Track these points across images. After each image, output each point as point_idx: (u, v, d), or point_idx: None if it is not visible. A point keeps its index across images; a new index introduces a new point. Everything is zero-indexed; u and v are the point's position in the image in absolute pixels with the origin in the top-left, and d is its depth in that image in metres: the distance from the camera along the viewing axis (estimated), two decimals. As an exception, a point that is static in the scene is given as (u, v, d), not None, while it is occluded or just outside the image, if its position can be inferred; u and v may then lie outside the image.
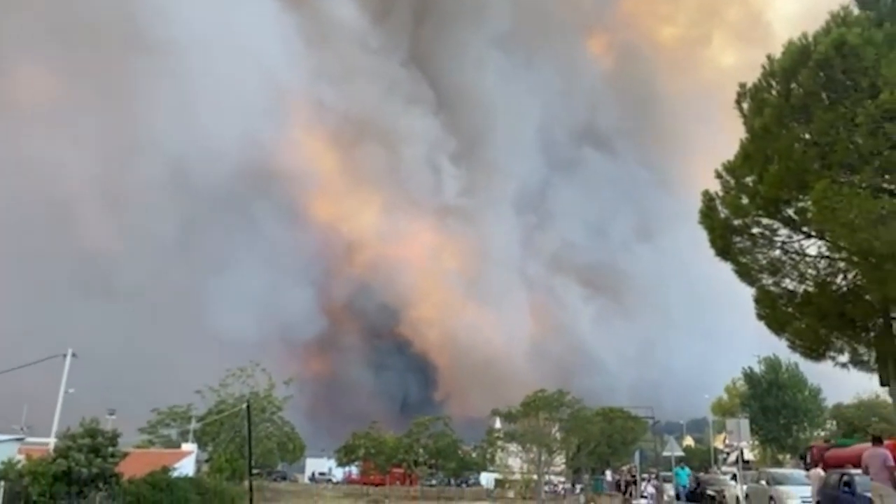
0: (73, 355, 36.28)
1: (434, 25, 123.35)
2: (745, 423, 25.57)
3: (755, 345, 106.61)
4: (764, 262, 11.24)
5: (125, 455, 25.99)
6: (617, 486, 42.02)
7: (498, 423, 63.06)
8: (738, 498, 28.34)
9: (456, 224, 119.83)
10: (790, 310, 11.54)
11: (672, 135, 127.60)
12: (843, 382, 60.70)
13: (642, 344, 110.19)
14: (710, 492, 31.55)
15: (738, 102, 11.00)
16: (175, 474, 30.81)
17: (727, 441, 71.17)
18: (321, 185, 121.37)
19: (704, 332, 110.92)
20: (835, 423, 47.09)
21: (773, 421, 53.05)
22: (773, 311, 11.79)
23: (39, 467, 22.70)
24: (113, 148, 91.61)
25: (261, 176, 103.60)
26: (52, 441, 32.81)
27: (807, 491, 23.02)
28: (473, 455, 61.21)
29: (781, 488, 23.70)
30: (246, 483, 39.27)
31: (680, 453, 37.23)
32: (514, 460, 52.90)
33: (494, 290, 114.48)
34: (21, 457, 24.64)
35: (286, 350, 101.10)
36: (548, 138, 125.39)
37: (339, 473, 79.86)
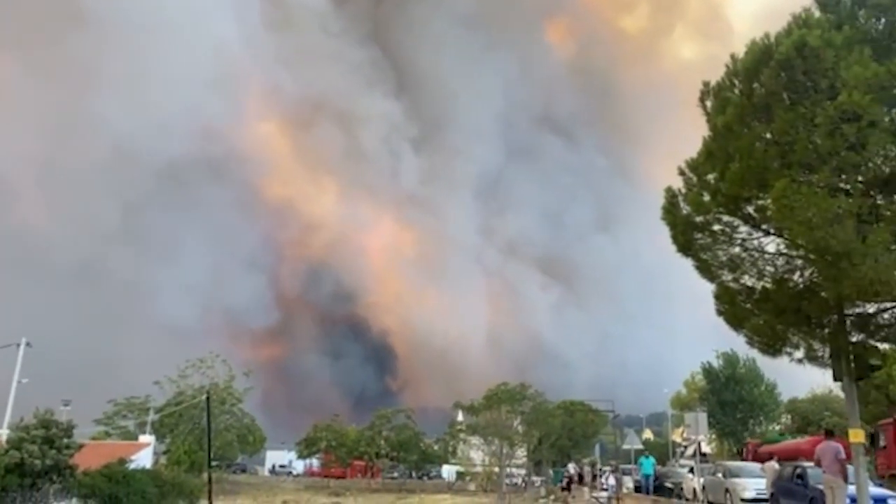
0: (28, 345, 35.56)
1: (395, 5, 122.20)
2: (703, 417, 26.05)
3: (711, 339, 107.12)
4: (724, 258, 11.42)
5: (80, 447, 25.56)
6: (579, 478, 42.56)
7: (460, 416, 63.34)
8: (695, 490, 28.84)
9: (414, 210, 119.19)
10: (748, 306, 11.74)
11: (631, 125, 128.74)
12: (798, 378, 61.93)
13: (598, 335, 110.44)
14: (668, 484, 32.11)
15: (702, 100, 11.14)
16: (132, 466, 30.35)
17: (685, 434, 72.59)
18: (276, 168, 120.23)
19: (660, 325, 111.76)
20: (790, 417, 48.20)
21: (730, 415, 54.05)
22: (731, 307, 11.99)
23: (-10, 459, 22.18)
24: (54, 125, 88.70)
25: (212, 158, 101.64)
26: (3, 433, 32.12)
27: (761, 483, 23.55)
28: (435, 447, 61.35)
29: (736, 480, 24.19)
30: (205, 475, 38.91)
31: (639, 446, 37.87)
32: (476, 453, 53.19)
33: (452, 277, 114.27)
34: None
35: (237, 337, 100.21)
36: (508, 124, 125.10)
37: (299, 466, 79.41)
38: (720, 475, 25.68)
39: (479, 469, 53.79)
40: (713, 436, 56.86)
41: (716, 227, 11.21)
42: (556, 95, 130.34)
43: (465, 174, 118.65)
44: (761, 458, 28.96)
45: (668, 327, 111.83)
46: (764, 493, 22.76)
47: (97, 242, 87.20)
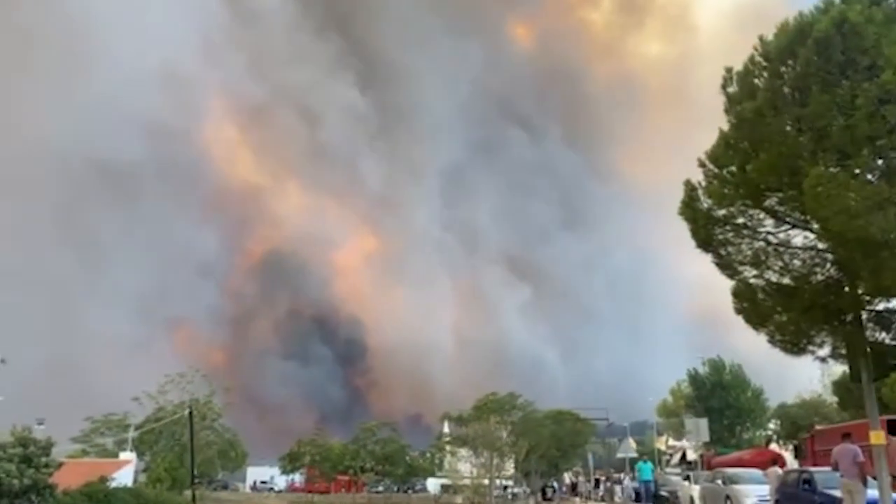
0: (2, 361, 34.33)
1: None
2: (703, 423, 25.69)
3: (682, 342, 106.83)
4: (749, 252, 10.97)
5: (60, 465, 24.48)
6: (573, 488, 41.99)
7: (446, 427, 62.50)
8: (692, 498, 28.39)
9: (377, 207, 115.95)
10: (770, 303, 11.29)
11: (598, 121, 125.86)
12: (784, 383, 62.28)
13: (566, 339, 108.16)
14: (663, 492, 31.65)
15: (724, 88, 10.71)
16: (113, 485, 29.25)
17: (669, 443, 72.39)
18: (233, 167, 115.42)
19: (630, 329, 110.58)
20: (779, 422, 48.11)
21: (717, 422, 53.78)
22: (753, 305, 11.53)
23: (-35, 479, 21.09)
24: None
25: (162, 157, 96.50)
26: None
27: (763, 490, 23.12)
28: (421, 461, 60.47)
29: (738, 487, 23.74)
30: (187, 493, 37.81)
31: (633, 454, 37.41)
32: (464, 465, 52.40)
33: (417, 276, 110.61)
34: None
35: (190, 345, 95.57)
36: (472, 117, 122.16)
37: (280, 482, 77.99)
38: (719, 482, 25.24)
39: (467, 481, 52.97)
40: (700, 442, 56.67)
41: (739, 221, 10.77)
42: (520, 88, 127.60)
43: (430, 170, 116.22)
44: (712, 468, 29.98)
45: (638, 331, 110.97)
46: (767, 500, 22.34)
47: (31, 245, 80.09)
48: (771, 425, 53.21)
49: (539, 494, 35.59)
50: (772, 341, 11.72)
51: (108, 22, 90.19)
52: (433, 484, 67.92)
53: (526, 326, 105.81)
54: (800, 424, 42.33)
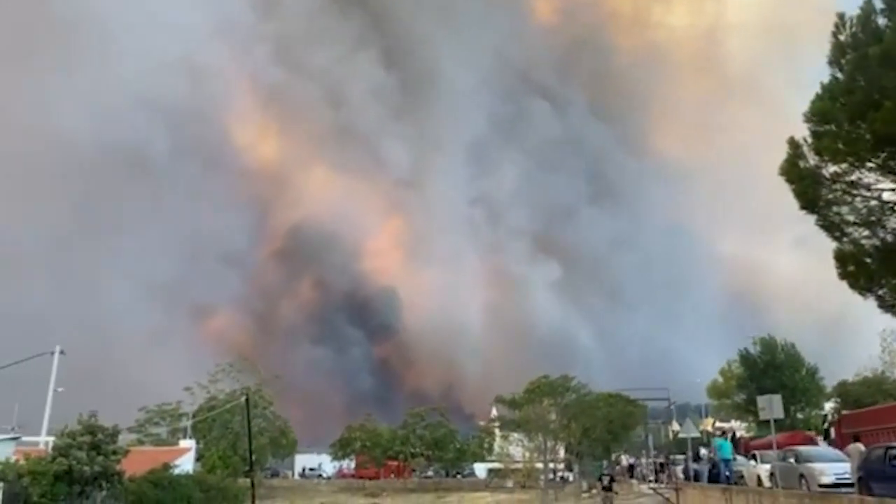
0: (62, 352, 34.84)
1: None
2: (777, 399, 24.78)
3: (716, 324, 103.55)
4: (863, 210, 10.36)
5: (126, 452, 24.73)
6: (630, 470, 41.43)
7: (494, 411, 62.28)
8: (759, 477, 27.66)
9: (403, 186, 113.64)
10: (882, 266, 10.69)
11: (624, 91, 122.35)
12: (841, 361, 60.76)
13: (597, 320, 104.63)
14: (726, 473, 30.96)
15: (835, 35, 10.07)
16: (175, 472, 29.53)
17: (716, 424, 71.21)
18: (255, 145, 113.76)
19: (663, 309, 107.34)
20: (839, 400, 46.89)
21: (770, 402, 52.84)
22: (861, 268, 10.93)
23: (39, 467, 21.33)
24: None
25: (184, 140, 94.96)
26: (41, 440, 31.37)
27: (840, 467, 22.36)
28: (470, 445, 60.31)
29: (813, 465, 22.93)
30: (240, 480, 38.10)
31: (696, 434, 36.65)
32: (516, 449, 52.11)
33: (445, 255, 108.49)
34: (14, 457, 23.23)
35: (219, 331, 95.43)
36: (496, 90, 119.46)
37: (328, 468, 78.43)
38: (792, 461, 24.47)
39: (519, 465, 52.67)
40: (752, 423, 55.71)
41: (850, 178, 10.16)
42: (544, 61, 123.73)
43: (455, 146, 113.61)
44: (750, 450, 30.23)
45: (672, 310, 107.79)
46: (845, 478, 21.55)
47: (51, 236, 78.65)
48: (828, 405, 51.89)
49: (598, 484, 34.12)
50: (883, 305, 11.09)
51: (130, 10, 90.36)
52: (481, 468, 67.79)
53: (555, 306, 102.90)
54: (863, 403, 41.11)
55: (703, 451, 31.02)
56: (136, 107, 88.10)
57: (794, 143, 10.70)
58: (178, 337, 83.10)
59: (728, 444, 25.61)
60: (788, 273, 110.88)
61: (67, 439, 22.74)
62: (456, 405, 75.02)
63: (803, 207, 10.82)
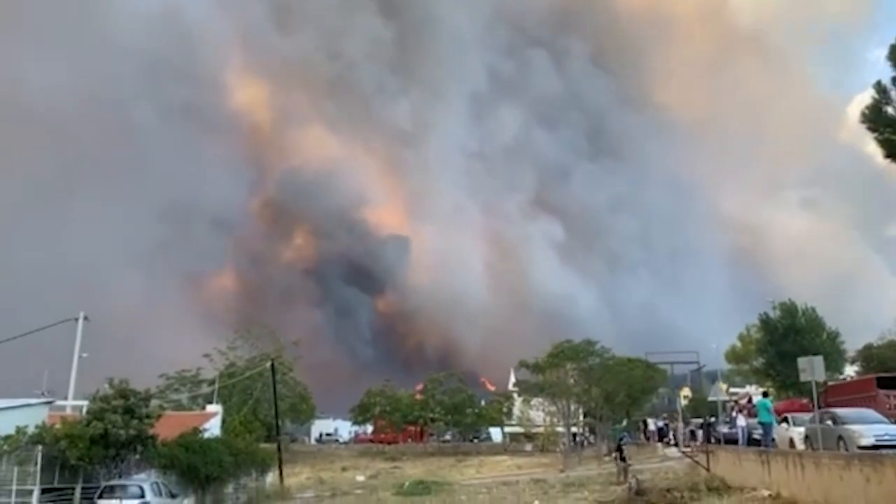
0: (86, 318, 34.75)
1: None
2: (818, 361, 24.39)
3: (724, 282, 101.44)
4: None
5: (159, 416, 24.71)
6: (659, 434, 41.41)
7: (512, 376, 62.38)
8: (791, 440, 27.47)
9: (398, 140, 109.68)
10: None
11: (627, 45, 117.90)
12: (864, 324, 60.39)
13: (598, 283, 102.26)
14: (755, 435, 30.82)
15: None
16: (205, 436, 29.56)
17: (730, 389, 71.23)
18: (246, 101, 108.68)
19: (667, 271, 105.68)
20: (863, 363, 46.64)
21: (790, 367, 52.55)
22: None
23: (76, 430, 21.27)
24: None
25: (169, 95, 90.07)
26: (69, 404, 31.41)
27: (881, 429, 22.10)
28: (490, 410, 60.61)
29: (853, 427, 22.66)
30: (263, 445, 38.25)
31: (725, 397, 36.50)
32: (537, 413, 52.23)
33: (442, 212, 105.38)
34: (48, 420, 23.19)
35: (212, 295, 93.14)
36: (495, 43, 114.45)
37: (344, 433, 79.02)
38: (829, 422, 24.22)
39: (540, 429, 52.85)
40: (771, 387, 55.66)
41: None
42: (543, 11, 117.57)
43: (453, 100, 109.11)
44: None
45: (676, 272, 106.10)
46: (885, 439, 21.30)
47: (35, 199, 74.49)
48: (849, 369, 51.72)
49: (616, 453, 33.29)
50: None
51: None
52: (497, 433, 68.13)
53: (555, 266, 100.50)
54: (889, 366, 40.87)
55: (740, 420, 30.72)
56: (121, 62, 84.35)
57: (880, 88, 10.17)
58: (171, 303, 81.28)
59: (767, 405, 25.11)
60: (794, 235, 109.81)
61: (101, 403, 22.67)
62: (459, 366, 73.74)
63: (887, 156, 10.31)
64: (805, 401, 42.53)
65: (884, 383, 28.84)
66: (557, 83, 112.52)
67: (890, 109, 10.08)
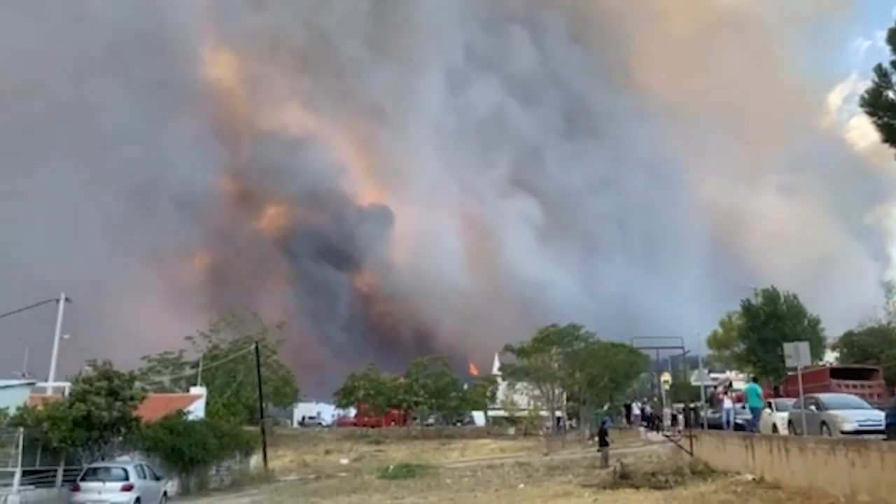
0: (67, 300, 34.33)
1: None
2: (804, 347, 24.63)
3: (704, 267, 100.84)
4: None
5: (143, 398, 24.48)
6: (647, 419, 41.66)
7: (497, 361, 62.59)
8: (774, 425, 27.74)
9: (372, 115, 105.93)
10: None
11: (606, 21, 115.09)
12: (844, 310, 60.93)
13: (575, 266, 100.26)
14: (738, 420, 31.13)
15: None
16: (188, 418, 29.37)
17: (711, 375, 71.90)
18: (217, 70, 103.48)
19: (645, 255, 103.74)
20: (844, 350, 47.12)
21: (771, 352, 53.08)
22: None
23: (58, 412, 21.00)
24: None
25: (137, 60, 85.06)
26: (50, 385, 31.05)
27: (863, 414, 22.37)
28: (473, 394, 60.82)
29: (835, 412, 22.89)
30: (245, 428, 38.14)
31: (710, 382, 36.77)
32: (520, 397, 52.50)
33: (418, 187, 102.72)
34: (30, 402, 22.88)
35: (176, 275, 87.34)
36: (474, 18, 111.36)
37: (328, 416, 78.96)
38: (812, 408, 24.45)
39: (524, 413, 53.16)
40: (752, 373, 56.21)
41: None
42: None
43: (430, 76, 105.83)
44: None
45: (654, 256, 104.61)
46: (868, 425, 21.54)
47: None
48: (830, 356, 52.27)
49: (597, 438, 33.49)
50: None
51: None
52: (480, 417, 68.36)
53: (532, 248, 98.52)
54: (870, 353, 41.34)
55: (727, 402, 30.93)
56: (88, 32, 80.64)
57: (881, 71, 10.12)
58: (140, 283, 78.48)
59: (757, 390, 25.28)
60: (773, 220, 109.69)
61: (84, 385, 22.42)
62: (435, 348, 72.93)
63: (885, 140, 10.29)
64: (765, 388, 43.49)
65: (837, 373, 30.86)
66: (535, 60, 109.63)
67: (890, 93, 10.02)
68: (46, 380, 31.70)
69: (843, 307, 67.66)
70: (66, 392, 23.78)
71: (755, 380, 25.59)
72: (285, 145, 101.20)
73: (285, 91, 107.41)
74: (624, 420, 53.26)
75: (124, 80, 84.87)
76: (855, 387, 29.73)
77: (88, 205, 76.72)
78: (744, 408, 29.48)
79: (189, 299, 79.98)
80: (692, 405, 38.68)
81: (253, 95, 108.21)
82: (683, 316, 79.50)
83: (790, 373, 36.80)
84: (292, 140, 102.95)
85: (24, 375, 31.28)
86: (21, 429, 20.53)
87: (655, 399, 58.86)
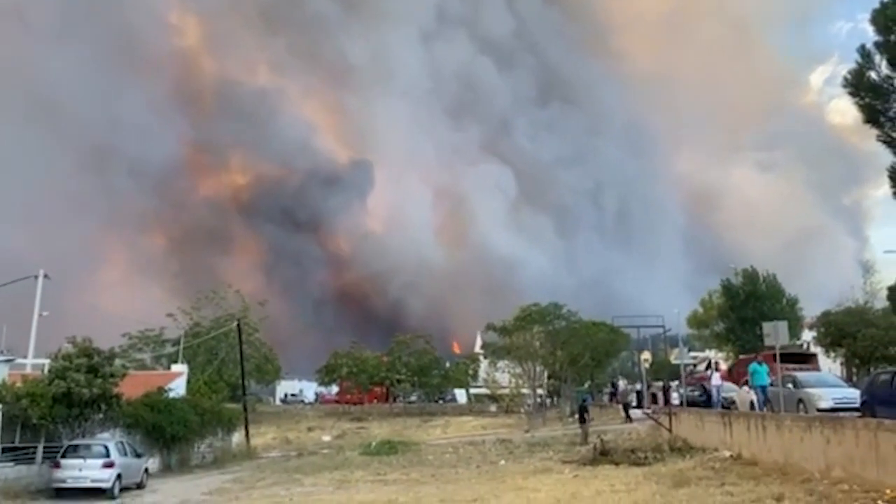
0: (46, 276, 34.01)
1: None
2: (782, 326, 24.95)
3: (680, 244, 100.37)
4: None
5: (124, 375, 24.36)
6: (638, 399, 42.15)
7: (479, 339, 62.85)
8: (752, 403, 28.14)
9: (342, 78, 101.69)
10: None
11: None
12: (821, 289, 61.48)
13: (550, 241, 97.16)
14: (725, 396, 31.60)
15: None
16: (170, 395, 29.29)
17: (690, 353, 72.63)
18: (178, 31, 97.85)
19: (621, 231, 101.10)
20: (821, 329, 47.75)
21: (750, 331, 53.67)
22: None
23: (38, 389, 20.84)
24: None
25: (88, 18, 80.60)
26: (29, 362, 30.84)
27: (838, 392, 22.76)
28: (455, 372, 61.16)
29: (811, 390, 23.27)
30: (227, 406, 38.12)
31: (690, 361, 37.13)
32: (503, 375, 52.84)
33: (391, 154, 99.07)
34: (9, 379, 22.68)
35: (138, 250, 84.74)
36: None
37: (310, 394, 79.07)
38: (790, 386, 24.82)
39: (505, 391, 53.51)
40: (730, 352, 56.84)
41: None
42: None
43: (403, 40, 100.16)
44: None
45: (631, 232, 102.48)
46: (843, 402, 21.92)
47: None
48: (807, 335, 52.93)
49: (577, 415, 33.88)
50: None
51: None
52: (461, 394, 68.75)
53: (505, 218, 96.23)
54: (847, 333, 41.88)
55: (715, 379, 31.25)
56: None
57: (865, 52, 10.16)
58: (103, 256, 77.08)
59: (764, 369, 25.37)
60: (751, 197, 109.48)
61: (63, 362, 22.27)
62: (406, 323, 72.59)
63: (867, 121, 10.35)
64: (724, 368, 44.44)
65: (784, 358, 30.01)
66: (510, 24, 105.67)
67: (873, 74, 10.07)
68: (25, 357, 31.48)
69: (819, 284, 68.54)
70: (46, 369, 23.58)
71: (760, 362, 25.75)
72: (251, 108, 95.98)
73: (251, 52, 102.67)
74: (607, 398, 53.87)
75: (80, 42, 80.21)
76: (795, 369, 30.26)
77: (44, 174, 72.64)
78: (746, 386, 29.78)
79: (154, 271, 78.63)
80: (666, 384, 39.12)
81: (216, 56, 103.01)
82: (657, 290, 79.87)
83: (742, 356, 37.94)
84: (261, 105, 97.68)
85: (2, 352, 30.97)
86: (0, 405, 20.39)
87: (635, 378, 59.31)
